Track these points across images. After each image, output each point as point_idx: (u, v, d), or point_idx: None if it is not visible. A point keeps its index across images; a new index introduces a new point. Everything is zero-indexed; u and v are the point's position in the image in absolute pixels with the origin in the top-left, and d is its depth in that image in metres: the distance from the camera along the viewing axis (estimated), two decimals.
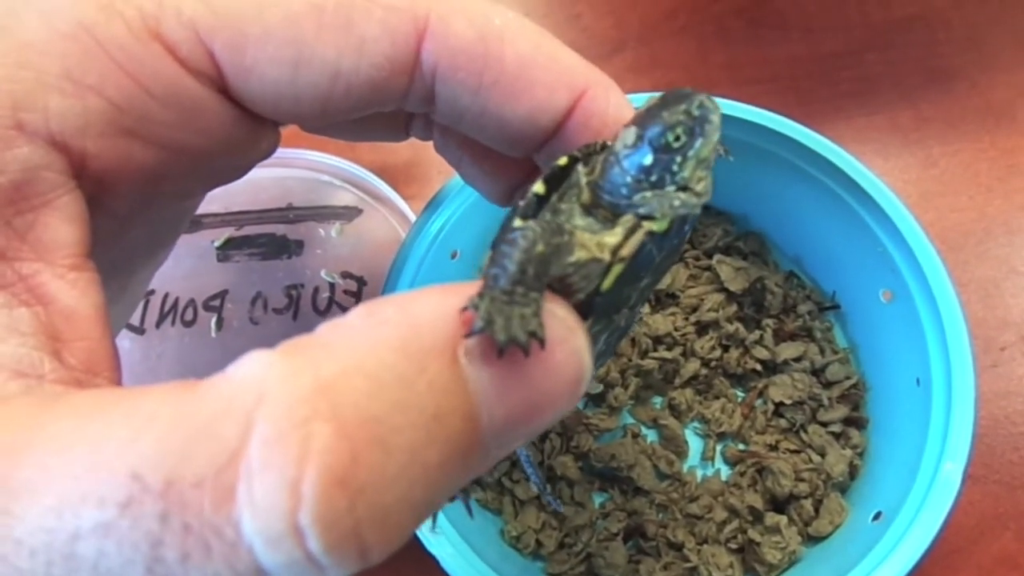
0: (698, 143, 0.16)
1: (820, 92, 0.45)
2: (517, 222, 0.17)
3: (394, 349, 0.13)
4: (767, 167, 0.33)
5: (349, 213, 0.41)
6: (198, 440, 0.12)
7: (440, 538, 0.27)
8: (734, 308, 0.36)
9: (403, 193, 0.41)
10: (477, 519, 0.33)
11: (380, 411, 0.12)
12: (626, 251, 0.17)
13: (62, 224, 0.18)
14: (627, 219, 0.17)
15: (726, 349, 0.36)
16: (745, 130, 0.32)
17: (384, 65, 0.19)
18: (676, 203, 0.17)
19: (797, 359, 0.35)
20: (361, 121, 0.24)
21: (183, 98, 0.19)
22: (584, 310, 0.17)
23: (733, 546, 0.32)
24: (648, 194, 0.17)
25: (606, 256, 0.17)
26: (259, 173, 0.42)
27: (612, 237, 0.17)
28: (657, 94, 0.18)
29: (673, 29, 0.46)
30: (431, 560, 0.27)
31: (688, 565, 0.32)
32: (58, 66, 0.17)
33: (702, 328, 0.36)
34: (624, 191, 0.17)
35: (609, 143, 0.18)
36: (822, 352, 0.35)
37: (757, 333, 0.36)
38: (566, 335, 0.15)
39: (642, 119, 0.17)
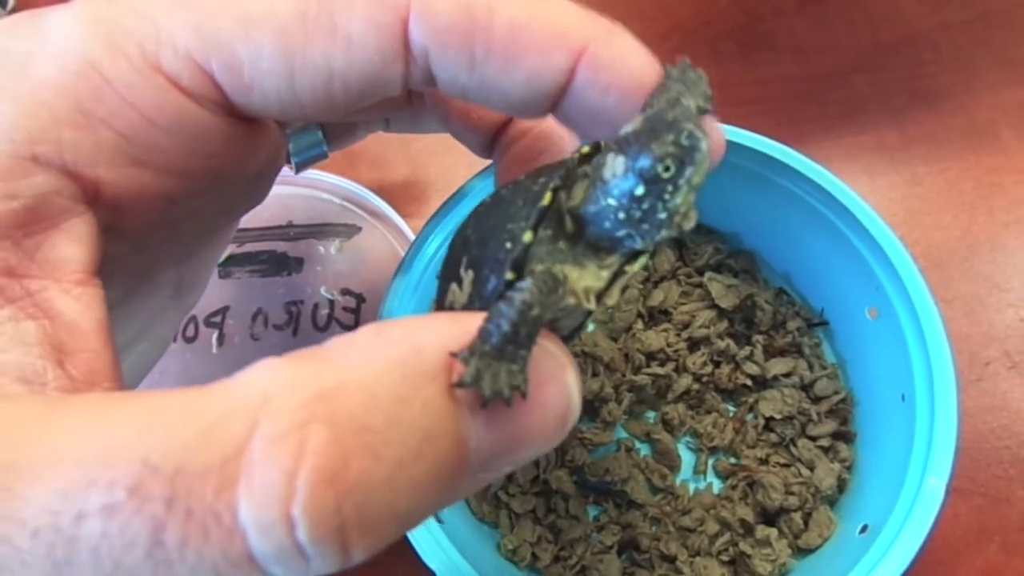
0: (688, 172, 0.16)
1: (809, 112, 0.46)
2: (509, 275, 0.17)
3: (394, 368, 0.14)
4: (758, 188, 0.34)
5: (348, 231, 0.42)
6: (207, 434, 0.13)
7: (437, 550, 0.27)
8: (725, 324, 0.37)
9: (402, 211, 0.42)
10: (473, 532, 0.33)
11: (374, 423, 0.13)
12: (611, 300, 0.18)
13: (69, 244, 0.19)
14: (612, 261, 0.17)
15: (717, 365, 0.37)
16: (737, 153, 0.33)
17: (374, 59, 0.19)
18: (661, 235, 0.17)
19: (787, 375, 0.36)
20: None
21: (188, 125, 0.20)
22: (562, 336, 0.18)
23: (725, 558, 0.33)
24: (631, 230, 0.17)
25: (592, 305, 0.17)
26: None
27: (597, 281, 0.17)
28: (638, 115, 0.18)
29: (666, 50, 0.47)
30: (428, 573, 0.27)
31: None
32: (70, 102, 0.18)
33: (694, 344, 0.37)
34: (608, 224, 0.17)
35: (588, 169, 0.18)
36: (811, 368, 0.36)
37: (747, 349, 0.36)
38: (557, 373, 0.16)
39: (629, 148, 0.17)
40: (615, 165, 0.17)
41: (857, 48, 0.47)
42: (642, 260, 0.18)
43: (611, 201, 0.17)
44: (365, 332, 0.15)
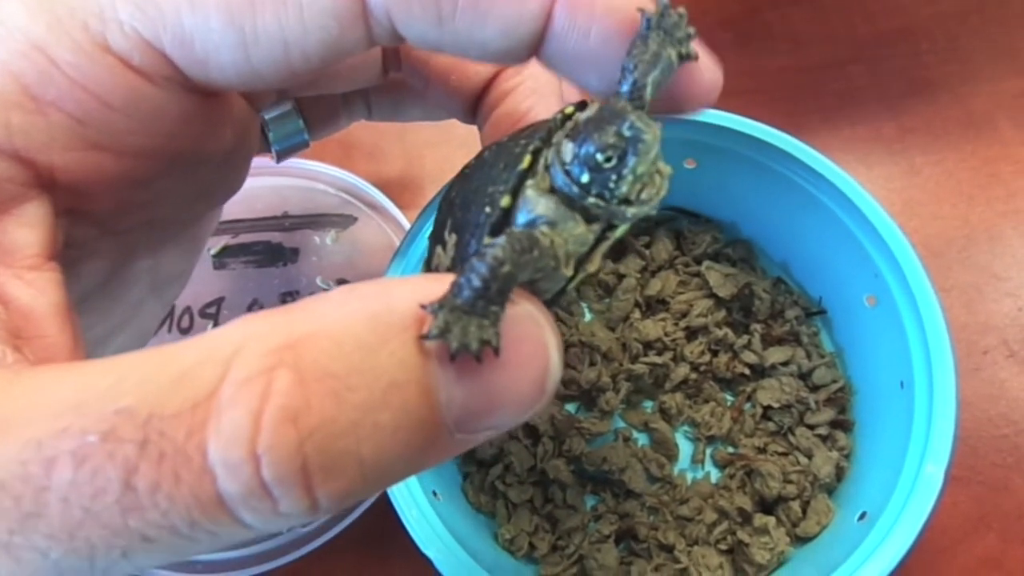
0: (631, 162, 0.16)
1: (806, 103, 0.46)
2: (487, 240, 0.17)
3: (363, 318, 0.14)
4: (755, 176, 0.34)
5: (344, 221, 0.42)
6: (180, 380, 0.13)
7: (434, 540, 0.27)
8: (723, 313, 0.37)
9: (397, 201, 0.42)
10: (470, 522, 0.33)
11: (338, 369, 0.14)
12: (592, 267, 0.18)
13: (20, 229, 0.18)
14: (595, 227, 0.17)
15: (715, 354, 0.37)
16: (733, 140, 0.32)
17: (330, 24, 0.18)
18: (629, 213, 0.17)
19: (785, 363, 0.36)
20: (339, 71, 0.25)
21: (144, 105, 0.19)
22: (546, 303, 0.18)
23: (723, 547, 0.33)
24: (600, 203, 0.17)
25: (570, 271, 0.17)
26: (255, 182, 0.43)
27: (581, 246, 0.17)
28: (596, 104, 0.18)
29: None
30: (425, 561, 0.27)
31: (679, 566, 0.32)
32: (17, 85, 0.18)
33: (692, 333, 0.37)
34: (572, 199, 0.17)
35: (564, 123, 0.18)
36: (809, 356, 0.36)
37: (745, 338, 0.36)
38: (534, 332, 0.16)
39: (578, 135, 0.17)
40: (566, 151, 0.17)
41: (854, 39, 0.47)
42: (622, 228, 0.18)
43: (567, 180, 0.17)
44: (340, 289, 0.15)
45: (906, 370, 0.30)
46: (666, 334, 0.36)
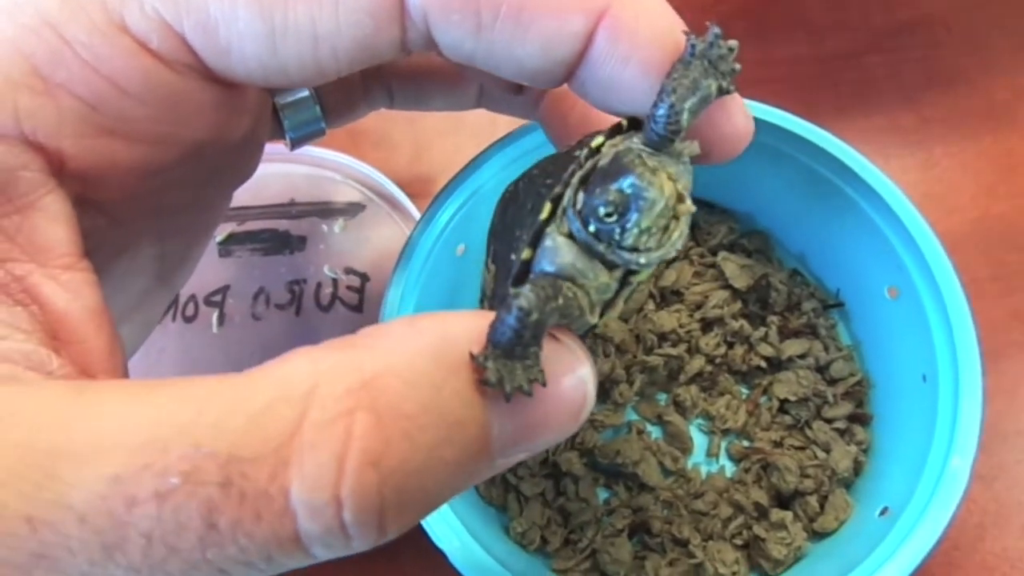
0: (633, 218, 0.16)
1: (822, 93, 0.45)
2: (512, 290, 0.17)
3: (427, 357, 0.15)
4: (773, 164, 0.33)
5: (352, 209, 0.41)
6: (259, 420, 0.13)
7: (448, 533, 0.26)
8: (739, 305, 0.36)
9: (406, 190, 0.41)
10: (482, 515, 0.32)
11: (410, 410, 0.14)
12: (614, 312, 0.18)
13: (50, 224, 0.17)
14: (617, 273, 0.17)
15: (731, 346, 0.36)
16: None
17: (366, 22, 0.18)
18: (642, 260, 0.17)
19: (802, 356, 0.35)
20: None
21: (161, 91, 0.18)
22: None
23: (738, 542, 0.32)
24: (610, 252, 0.17)
25: (595, 319, 0.18)
26: (262, 169, 0.41)
27: (605, 293, 0.18)
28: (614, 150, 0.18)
29: None
30: (435, 555, 0.26)
31: (693, 561, 0.31)
32: (26, 64, 0.17)
33: (707, 325, 0.36)
34: (589, 242, 0.17)
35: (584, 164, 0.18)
36: (826, 349, 0.36)
37: (762, 330, 0.36)
38: (574, 366, 0.17)
39: (589, 183, 0.17)
40: (578, 199, 0.17)
41: (871, 28, 0.47)
42: (645, 273, 0.18)
43: (580, 229, 0.17)
44: (399, 322, 0.16)
45: (929, 363, 0.29)
46: (681, 326, 0.36)
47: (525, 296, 0.15)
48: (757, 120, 0.31)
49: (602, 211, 0.16)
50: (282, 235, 0.40)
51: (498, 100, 0.29)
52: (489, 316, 0.16)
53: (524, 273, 0.18)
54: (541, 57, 0.18)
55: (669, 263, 0.38)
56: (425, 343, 0.15)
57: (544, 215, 0.17)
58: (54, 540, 0.13)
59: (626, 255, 0.17)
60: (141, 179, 0.20)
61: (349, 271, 0.39)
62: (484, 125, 0.43)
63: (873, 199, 0.31)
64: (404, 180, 0.42)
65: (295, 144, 0.30)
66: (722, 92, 0.18)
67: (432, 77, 0.29)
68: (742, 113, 0.20)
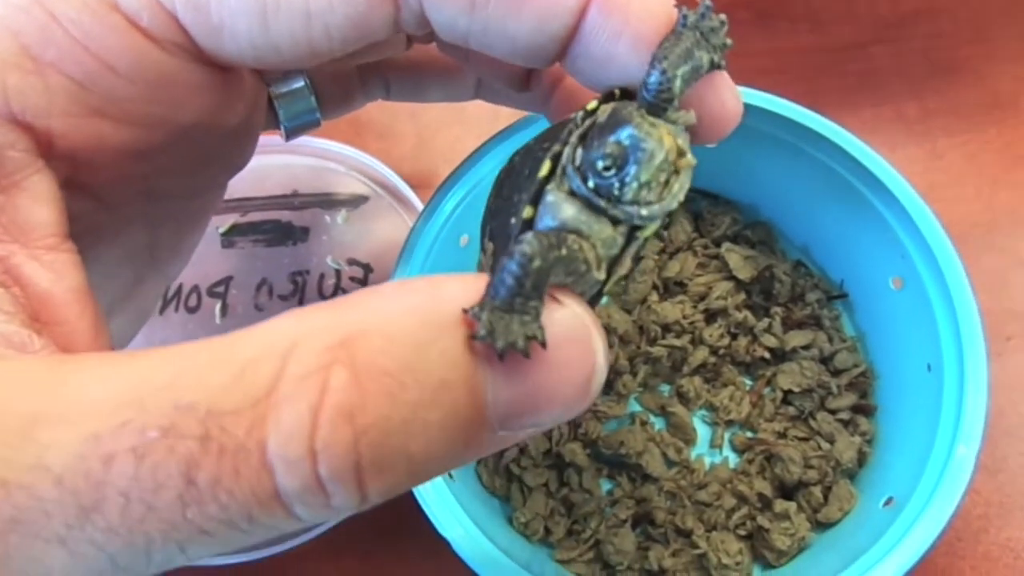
0: (632, 171, 0.16)
1: (827, 84, 0.45)
2: (527, 211, 0.17)
3: (414, 316, 0.14)
4: (776, 155, 0.33)
5: (355, 200, 0.41)
6: (239, 375, 0.13)
7: (452, 522, 0.26)
8: (742, 296, 0.36)
9: (409, 180, 0.41)
10: (486, 505, 0.32)
11: (390, 367, 0.14)
12: (622, 269, 0.17)
13: (34, 205, 0.17)
14: (622, 228, 0.17)
15: (735, 337, 0.36)
16: (754, 116, 0.32)
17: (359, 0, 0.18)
18: (643, 213, 0.16)
19: (805, 347, 0.35)
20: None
21: (151, 71, 0.18)
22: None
23: (742, 533, 0.32)
24: (611, 206, 0.17)
25: (602, 275, 0.17)
26: (264, 160, 0.42)
27: (611, 248, 0.17)
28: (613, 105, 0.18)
29: None
30: (436, 543, 0.26)
31: (697, 551, 0.31)
32: (15, 43, 0.16)
33: (711, 316, 0.36)
34: (589, 197, 0.17)
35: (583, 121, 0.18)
36: (830, 340, 0.35)
37: (766, 321, 0.36)
38: (580, 333, 0.16)
39: (587, 139, 0.17)
40: (576, 156, 0.17)
41: (876, 18, 0.46)
42: (649, 228, 0.17)
43: (580, 186, 0.17)
44: (390, 284, 0.15)
45: (934, 353, 0.29)
46: (684, 317, 0.36)
47: (528, 242, 0.15)
48: (761, 110, 0.31)
49: (600, 164, 0.16)
50: (285, 226, 0.40)
51: (498, 93, 0.28)
52: (484, 277, 0.15)
53: (527, 231, 0.17)
54: (535, 33, 0.18)
55: (672, 254, 0.38)
56: (414, 301, 0.15)
57: (544, 172, 0.17)
58: (29, 503, 0.13)
59: (627, 208, 0.16)
60: (130, 161, 0.19)
61: (352, 262, 0.39)
62: (486, 116, 0.43)
63: (878, 189, 0.30)
64: (406, 171, 0.42)
65: (290, 135, 0.30)
66: (713, 66, 0.18)
67: (429, 69, 0.29)
68: (731, 92, 0.19)
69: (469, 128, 0.44)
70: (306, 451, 0.13)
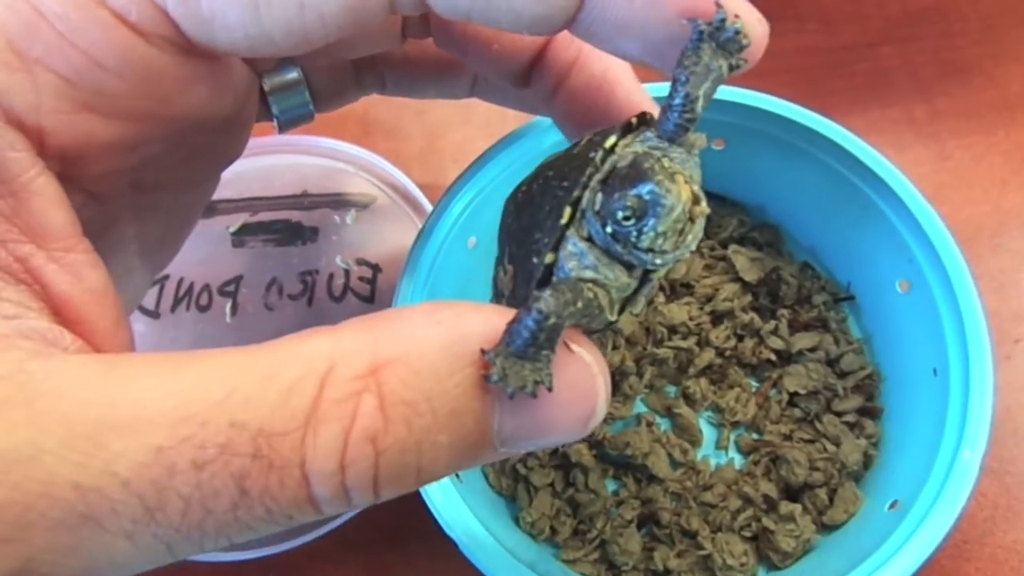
0: (651, 223, 0.17)
1: (835, 84, 0.45)
2: (535, 292, 0.17)
3: (438, 348, 0.16)
4: (783, 157, 0.33)
5: (364, 200, 0.41)
6: (286, 398, 0.15)
7: (458, 521, 0.27)
8: (749, 298, 0.36)
9: (417, 181, 0.41)
10: (492, 505, 0.33)
11: (411, 397, 0.16)
12: (636, 309, 0.19)
13: (48, 207, 0.17)
14: (636, 272, 0.18)
15: (741, 339, 0.36)
16: (761, 119, 0.32)
17: None
18: (658, 261, 0.17)
19: (812, 349, 0.35)
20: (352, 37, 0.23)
21: (140, 66, 0.18)
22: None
23: (747, 534, 0.32)
24: (627, 253, 0.17)
25: (614, 316, 0.18)
26: (274, 160, 0.42)
27: (624, 291, 0.18)
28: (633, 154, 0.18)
29: None
30: (443, 543, 0.27)
31: (702, 553, 0.32)
32: (1, 39, 0.16)
33: (717, 318, 0.36)
34: (607, 243, 0.18)
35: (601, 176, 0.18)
36: (837, 343, 0.36)
37: (772, 323, 0.36)
38: (586, 380, 0.17)
39: (608, 187, 0.17)
40: (596, 201, 0.18)
41: (884, 18, 0.46)
42: (661, 271, 0.18)
43: (598, 231, 0.18)
44: (421, 309, 0.17)
45: (940, 357, 0.29)
46: (691, 318, 0.36)
47: (545, 300, 0.16)
48: (766, 112, 0.31)
49: (620, 215, 0.17)
50: (295, 226, 0.40)
51: (495, 92, 0.28)
52: (508, 313, 0.16)
53: (547, 276, 0.19)
54: (539, 2, 0.18)
55: None
56: (439, 334, 0.16)
57: (564, 219, 0.18)
58: (99, 503, 0.14)
59: (642, 256, 0.17)
60: (120, 156, 0.19)
61: (361, 262, 0.40)
62: (495, 117, 0.43)
63: (884, 192, 0.31)
64: (415, 170, 0.42)
65: (283, 127, 0.29)
66: (733, 69, 0.18)
67: (425, 65, 0.29)
68: (757, 25, 0.19)
69: (478, 129, 0.44)
70: (338, 467, 0.15)
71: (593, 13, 0.18)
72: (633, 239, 0.17)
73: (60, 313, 0.17)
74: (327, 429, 0.15)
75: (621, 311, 0.19)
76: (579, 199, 0.18)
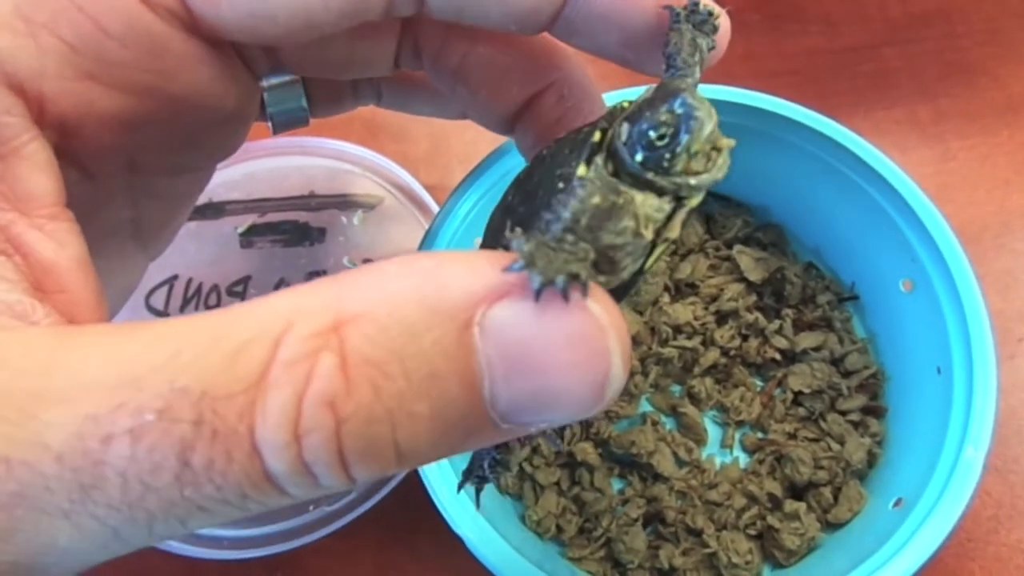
0: (684, 139, 0.16)
1: (838, 85, 0.45)
2: (581, 169, 0.17)
3: (411, 301, 0.14)
4: (788, 158, 0.33)
5: (371, 201, 0.41)
6: (233, 359, 0.13)
7: (466, 519, 0.27)
8: (754, 298, 0.37)
9: (424, 182, 0.41)
10: (498, 504, 0.33)
11: (378, 357, 0.13)
12: (672, 233, 0.17)
13: (34, 173, 0.17)
14: (667, 199, 0.17)
15: (745, 338, 0.36)
16: (765, 120, 0.32)
17: None
18: (692, 182, 0.17)
19: (816, 349, 0.35)
20: (350, 53, 0.23)
21: (145, 37, 0.18)
22: (617, 294, 0.17)
23: (752, 532, 0.33)
24: (659, 179, 0.17)
25: (650, 235, 0.17)
26: (282, 161, 0.43)
27: (658, 212, 0.17)
28: (651, 86, 0.18)
29: None
30: (450, 540, 0.27)
31: (707, 551, 0.32)
32: (6, 2, 0.16)
33: (722, 317, 0.36)
34: (637, 171, 0.17)
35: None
36: (841, 342, 0.36)
37: (776, 323, 0.36)
38: (593, 334, 0.14)
39: (633, 115, 0.17)
40: (623, 131, 0.17)
41: (888, 19, 0.46)
42: (696, 198, 0.17)
43: (624, 160, 0.17)
44: (398, 259, 0.14)
45: (944, 356, 0.29)
46: (696, 318, 0.36)
47: (589, 180, 0.15)
48: (770, 113, 0.31)
49: (653, 134, 0.16)
50: (302, 227, 0.41)
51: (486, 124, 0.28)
52: (501, 258, 0.14)
53: (590, 155, 0.17)
54: None
55: (684, 256, 0.38)
56: (413, 284, 0.14)
57: (596, 138, 0.17)
58: (31, 479, 0.13)
59: (676, 179, 0.17)
60: (118, 131, 0.19)
61: (368, 262, 0.40)
62: None
63: (888, 193, 0.31)
64: (422, 171, 0.42)
65: (277, 128, 0.29)
66: (709, 49, 0.20)
67: (418, 86, 0.29)
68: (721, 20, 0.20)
69: (484, 131, 0.44)
70: (291, 437, 0.13)
71: (577, 8, 0.19)
72: (666, 162, 0.16)
73: (42, 282, 0.17)
74: (278, 393, 0.13)
75: (658, 234, 0.17)
76: (607, 129, 0.17)
